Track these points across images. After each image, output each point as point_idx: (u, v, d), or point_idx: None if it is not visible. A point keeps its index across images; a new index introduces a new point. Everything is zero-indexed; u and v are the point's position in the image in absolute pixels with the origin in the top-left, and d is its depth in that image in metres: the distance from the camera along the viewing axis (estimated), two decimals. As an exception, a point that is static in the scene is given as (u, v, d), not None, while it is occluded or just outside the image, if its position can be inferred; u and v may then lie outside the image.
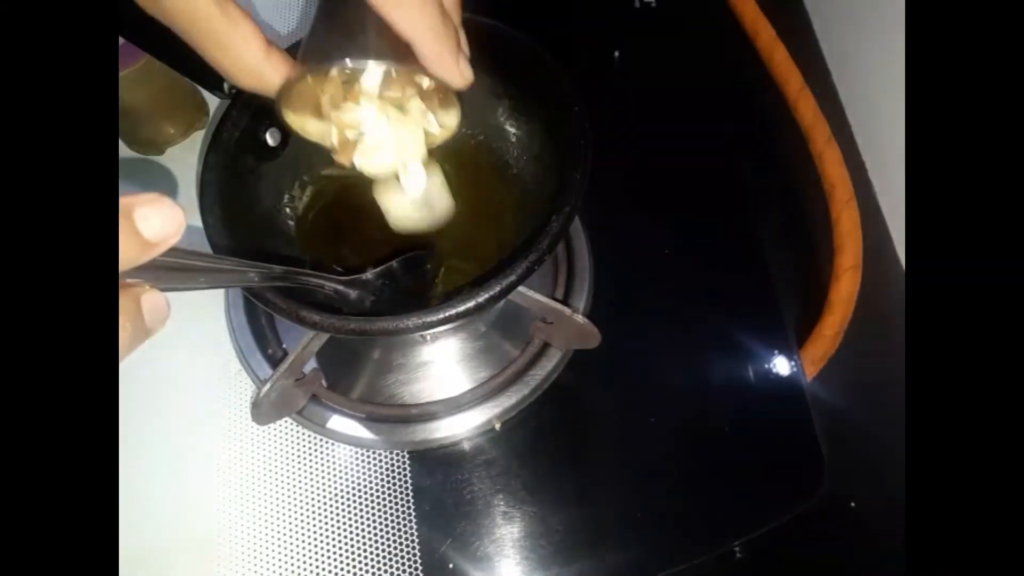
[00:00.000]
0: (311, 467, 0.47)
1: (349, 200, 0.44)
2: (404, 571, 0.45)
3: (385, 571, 0.45)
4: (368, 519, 0.46)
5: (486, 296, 0.34)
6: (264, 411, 0.43)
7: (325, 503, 0.46)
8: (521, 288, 0.41)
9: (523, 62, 0.41)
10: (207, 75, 0.39)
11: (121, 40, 0.37)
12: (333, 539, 0.45)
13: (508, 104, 0.44)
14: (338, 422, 0.47)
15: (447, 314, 0.33)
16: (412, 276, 0.40)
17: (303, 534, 0.46)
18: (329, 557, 0.45)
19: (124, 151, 0.57)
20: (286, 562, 0.45)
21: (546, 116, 0.41)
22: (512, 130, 0.45)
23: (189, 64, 0.39)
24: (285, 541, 0.45)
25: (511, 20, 0.41)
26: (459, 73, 0.30)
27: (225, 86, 0.39)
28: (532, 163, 0.44)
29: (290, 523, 0.46)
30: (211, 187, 0.38)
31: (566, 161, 0.37)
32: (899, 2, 0.32)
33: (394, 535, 0.45)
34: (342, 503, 0.46)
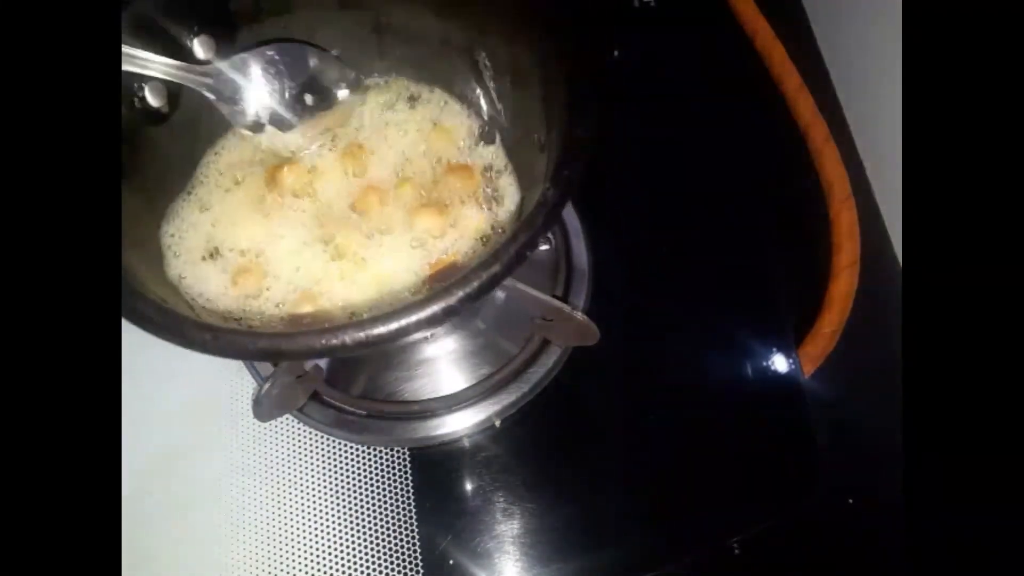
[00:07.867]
0: (312, 464, 0.48)
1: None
2: (405, 567, 0.45)
3: (386, 567, 0.45)
4: (369, 516, 0.46)
5: (477, 285, 0.33)
6: (265, 408, 0.43)
7: (326, 500, 0.47)
8: (520, 285, 0.41)
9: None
10: None
11: None
12: (334, 536, 0.46)
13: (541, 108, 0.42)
14: (339, 419, 0.47)
15: (437, 309, 0.33)
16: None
17: (304, 531, 0.46)
18: (330, 554, 0.45)
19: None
20: (287, 559, 0.45)
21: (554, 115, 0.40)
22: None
23: None
24: (286, 537, 0.46)
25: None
26: None
27: None
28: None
29: (291, 520, 0.46)
30: None
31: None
32: (896, 2, 0.32)
33: (395, 532, 0.46)
34: (343, 500, 0.47)
